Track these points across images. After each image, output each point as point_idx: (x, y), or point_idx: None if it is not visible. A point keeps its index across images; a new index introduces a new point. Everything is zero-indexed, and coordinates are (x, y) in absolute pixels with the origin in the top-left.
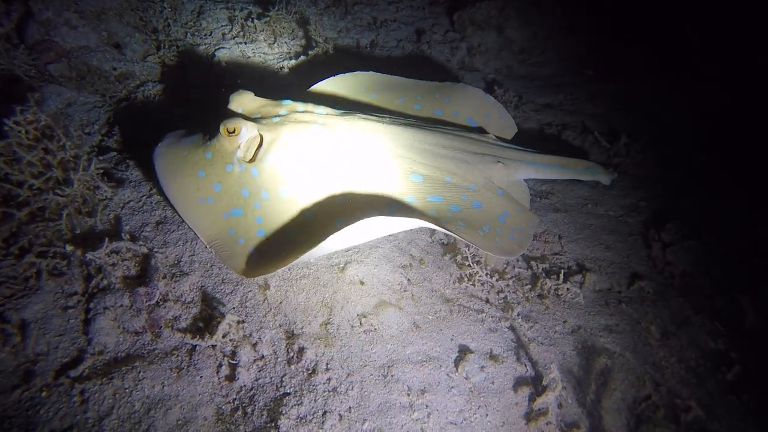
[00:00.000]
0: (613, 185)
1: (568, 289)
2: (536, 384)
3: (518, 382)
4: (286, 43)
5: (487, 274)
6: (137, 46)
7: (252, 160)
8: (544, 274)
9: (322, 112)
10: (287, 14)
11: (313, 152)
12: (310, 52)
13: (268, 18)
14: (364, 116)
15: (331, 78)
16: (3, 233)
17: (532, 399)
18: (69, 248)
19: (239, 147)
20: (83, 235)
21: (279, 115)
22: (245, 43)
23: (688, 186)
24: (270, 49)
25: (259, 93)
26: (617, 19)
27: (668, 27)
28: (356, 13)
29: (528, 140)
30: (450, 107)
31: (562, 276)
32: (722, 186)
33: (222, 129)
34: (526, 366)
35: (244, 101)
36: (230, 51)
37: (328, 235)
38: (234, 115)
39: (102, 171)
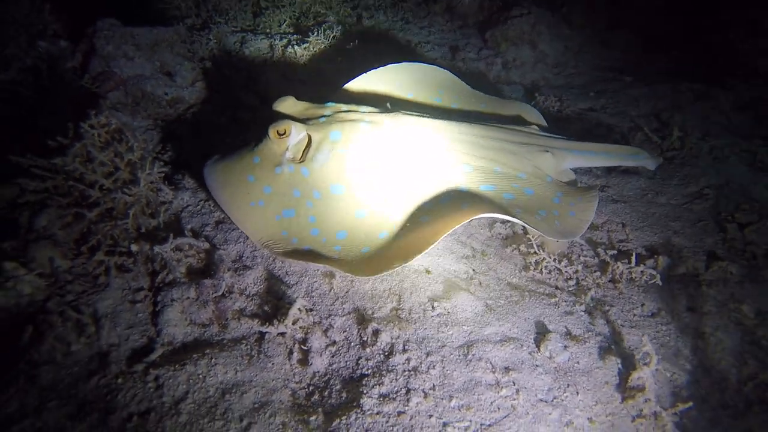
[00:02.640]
0: (672, 176)
1: (642, 272)
2: (626, 362)
3: (605, 361)
4: (325, 66)
5: (554, 260)
6: (186, 74)
7: (301, 161)
8: (613, 260)
9: (366, 110)
10: (325, 39)
11: (362, 149)
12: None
13: (308, 44)
14: (408, 112)
15: (365, 74)
16: (75, 234)
17: (624, 377)
18: (134, 248)
19: (288, 148)
20: (147, 235)
21: (324, 116)
22: (287, 68)
23: (751, 174)
24: (309, 73)
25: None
26: (644, 30)
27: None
28: (390, 39)
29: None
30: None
31: (634, 259)
32: None
33: (271, 131)
34: (610, 345)
35: (287, 106)
36: (272, 75)
37: (421, 248)
38: (279, 117)
39: (163, 174)
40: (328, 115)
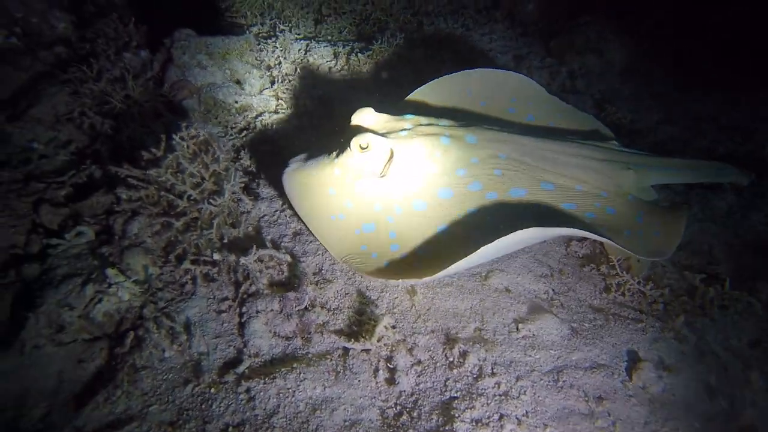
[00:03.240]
0: (763, 194)
1: (737, 299)
2: (729, 398)
3: (708, 395)
4: (389, 74)
5: (638, 282)
6: (255, 82)
7: (383, 175)
8: (702, 284)
9: (446, 124)
10: (389, 47)
11: (443, 164)
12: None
13: (371, 51)
14: (488, 127)
15: (434, 81)
16: (163, 242)
17: (730, 415)
18: (217, 257)
19: (370, 162)
20: (230, 245)
21: (405, 129)
22: (350, 76)
23: None
24: (374, 81)
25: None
26: (719, 35)
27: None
28: (452, 46)
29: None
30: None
31: (728, 285)
32: None
33: (354, 145)
34: (709, 377)
35: (366, 118)
36: (336, 82)
37: (481, 245)
38: (361, 130)
39: (243, 185)
40: (409, 129)
